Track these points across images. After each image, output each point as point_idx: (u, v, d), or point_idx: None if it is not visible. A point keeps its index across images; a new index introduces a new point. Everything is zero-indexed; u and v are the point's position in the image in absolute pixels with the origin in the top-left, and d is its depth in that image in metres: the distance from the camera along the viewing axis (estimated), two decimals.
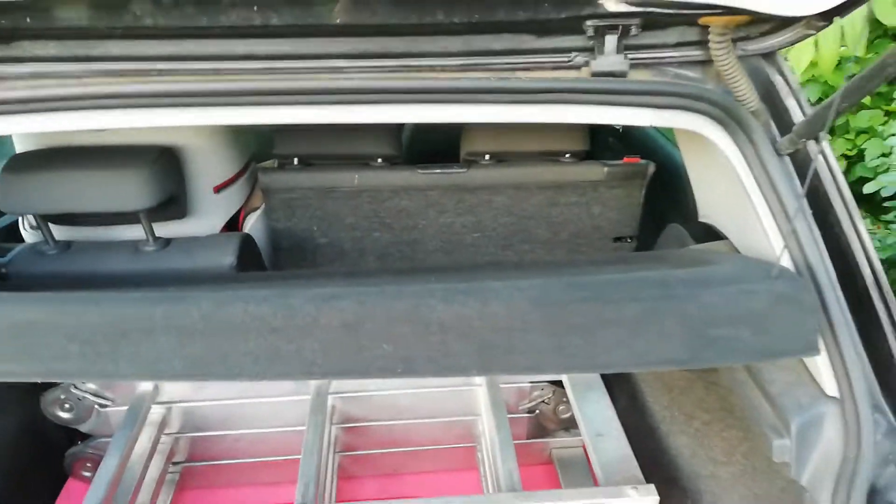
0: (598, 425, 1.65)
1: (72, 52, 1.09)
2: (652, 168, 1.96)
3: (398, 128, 2.03)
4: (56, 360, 1.00)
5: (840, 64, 2.85)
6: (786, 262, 1.12)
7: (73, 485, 1.91)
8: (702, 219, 1.49)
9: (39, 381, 1.65)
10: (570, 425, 1.97)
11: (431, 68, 1.10)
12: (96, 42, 1.09)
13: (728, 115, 1.12)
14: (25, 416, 1.79)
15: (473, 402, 1.87)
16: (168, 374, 0.99)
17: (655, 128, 2.31)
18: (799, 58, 2.54)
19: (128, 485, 1.61)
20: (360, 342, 1.00)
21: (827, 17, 0.97)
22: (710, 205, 1.45)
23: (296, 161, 1.92)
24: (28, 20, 1.02)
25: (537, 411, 1.97)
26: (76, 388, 1.77)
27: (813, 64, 2.53)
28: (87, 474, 1.89)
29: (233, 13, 1.01)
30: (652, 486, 1.43)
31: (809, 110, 1.12)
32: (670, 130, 2.08)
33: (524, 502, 1.38)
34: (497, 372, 1.59)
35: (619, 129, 2.48)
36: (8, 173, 1.50)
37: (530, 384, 1.92)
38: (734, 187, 1.19)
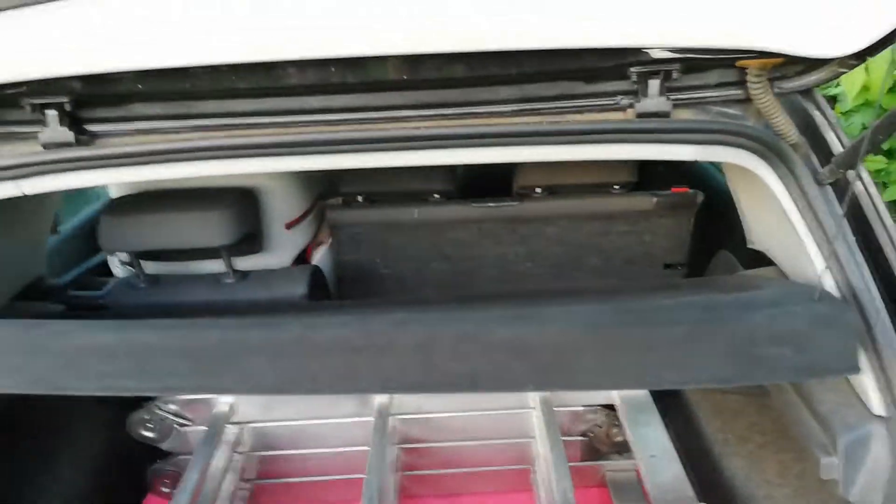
0: (652, 447, 1.66)
1: (173, 111, 1.23)
2: (700, 197, 1.97)
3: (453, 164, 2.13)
4: (167, 377, 1.13)
5: (893, 88, 2.82)
6: (830, 285, 1.15)
7: (153, 500, 2.00)
8: (751, 245, 1.53)
9: (151, 395, 1.79)
10: (622, 449, 1.96)
11: (489, 114, 1.19)
12: (193, 102, 1.22)
13: (769, 149, 1.17)
14: (112, 435, 1.91)
15: (528, 424, 1.90)
16: (264, 388, 1.12)
17: None
18: (852, 83, 2.54)
19: (205, 500, 1.70)
20: (431, 361, 1.10)
21: (858, 57, 1.02)
22: (759, 231, 1.49)
23: (360, 198, 2.04)
24: (139, 86, 1.17)
25: (590, 434, 1.98)
26: (159, 409, 1.88)
27: (865, 88, 2.53)
28: (166, 490, 1.98)
29: (312, 73, 1.13)
30: None
31: (847, 142, 1.18)
32: None
33: None
34: (552, 388, 1.65)
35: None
36: (108, 216, 1.66)
37: (583, 408, 1.94)
38: (779, 215, 1.23)
